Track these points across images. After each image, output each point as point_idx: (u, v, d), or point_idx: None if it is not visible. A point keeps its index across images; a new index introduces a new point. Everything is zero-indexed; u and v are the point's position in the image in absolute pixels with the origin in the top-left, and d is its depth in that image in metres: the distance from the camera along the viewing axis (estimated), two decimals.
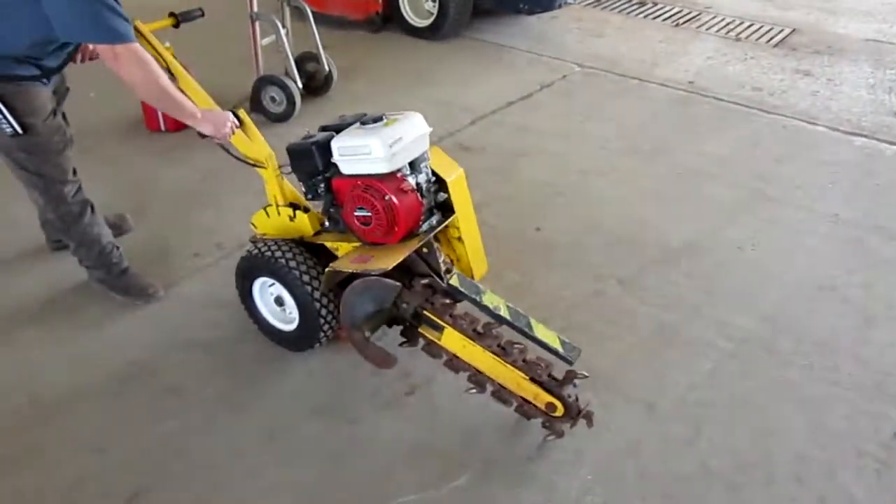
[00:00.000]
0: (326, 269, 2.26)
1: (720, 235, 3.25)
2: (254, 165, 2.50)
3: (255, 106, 4.08)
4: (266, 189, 2.53)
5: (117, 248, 2.76)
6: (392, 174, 2.20)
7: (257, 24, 4.01)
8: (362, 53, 5.19)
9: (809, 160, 3.94)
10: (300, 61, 4.24)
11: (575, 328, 2.63)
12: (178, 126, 3.99)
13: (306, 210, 2.51)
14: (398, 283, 2.16)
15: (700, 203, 3.50)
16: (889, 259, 3.13)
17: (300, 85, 4.06)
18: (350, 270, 2.18)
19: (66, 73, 2.53)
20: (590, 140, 4.09)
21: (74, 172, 2.57)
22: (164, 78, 2.23)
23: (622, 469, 2.15)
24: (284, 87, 4.00)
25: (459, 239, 2.44)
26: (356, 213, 2.25)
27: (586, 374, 2.10)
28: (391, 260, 2.13)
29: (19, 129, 2.30)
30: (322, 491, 2.09)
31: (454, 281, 2.28)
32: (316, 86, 4.36)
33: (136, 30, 2.63)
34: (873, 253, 3.16)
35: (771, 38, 5.78)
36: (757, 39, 5.75)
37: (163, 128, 3.97)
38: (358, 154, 2.20)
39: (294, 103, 4.03)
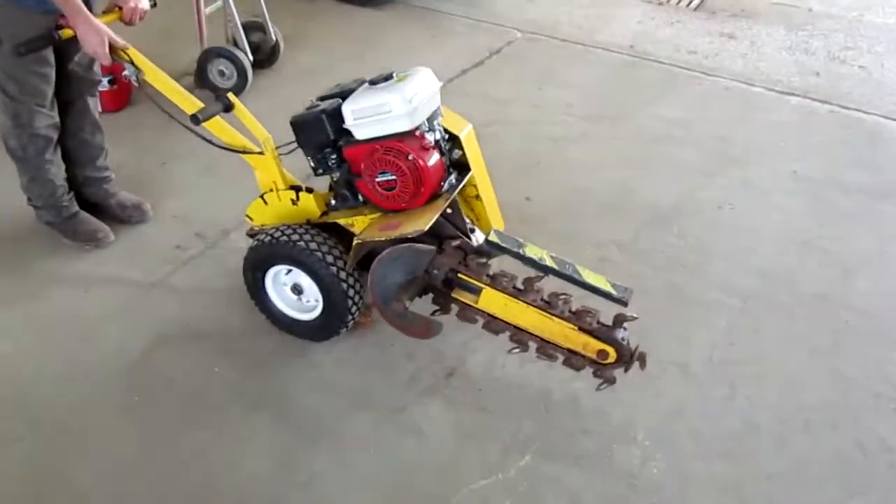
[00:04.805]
0: (354, 242, 2.12)
1: (699, 196, 3.35)
2: (244, 153, 2.31)
3: (202, 81, 3.78)
4: (258, 176, 2.36)
5: (69, 192, 2.70)
6: (412, 132, 2.10)
7: None
8: (300, 22, 4.89)
9: (757, 120, 4.13)
10: (244, 31, 3.95)
11: (588, 296, 2.64)
12: (116, 106, 3.65)
13: (310, 190, 2.36)
14: (432, 247, 2.06)
15: (673, 165, 3.59)
16: (847, 211, 3.33)
17: (251, 56, 3.79)
18: (383, 238, 2.05)
19: None
20: (552, 106, 4.09)
21: (53, 106, 2.52)
22: None
23: (675, 433, 2.19)
24: (234, 60, 3.72)
25: (476, 197, 2.36)
26: (378, 179, 2.12)
27: (636, 315, 2.06)
28: (423, 221, 2.02)
29: None
30: (388, 488, 2.00)
31: (493, 237, 2.16)
32: (261, 58, 4.08)
33: None
34: (834, 206, 3.36)
35: (690, 2, 5.97)
36: (678, 4, 5.93)
37: (99, 109, 3.59)
38: (377, 114, 2.07)
39: (246, 76, 3.75)
